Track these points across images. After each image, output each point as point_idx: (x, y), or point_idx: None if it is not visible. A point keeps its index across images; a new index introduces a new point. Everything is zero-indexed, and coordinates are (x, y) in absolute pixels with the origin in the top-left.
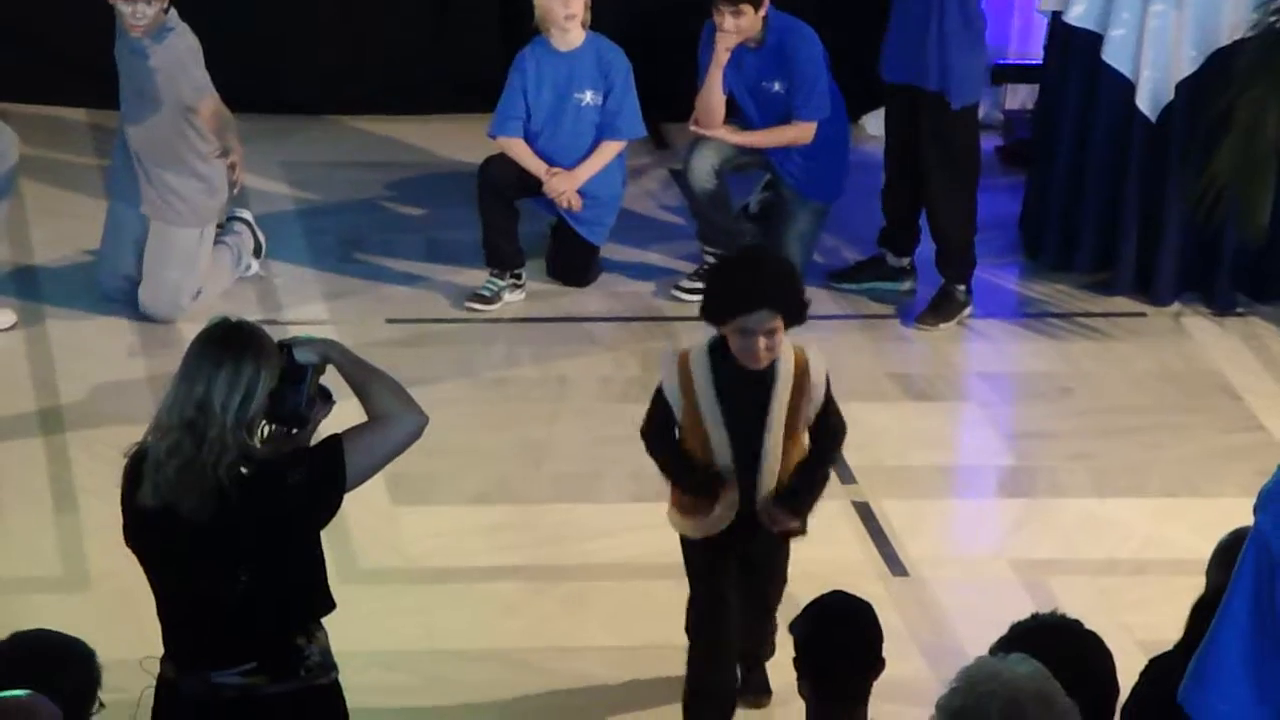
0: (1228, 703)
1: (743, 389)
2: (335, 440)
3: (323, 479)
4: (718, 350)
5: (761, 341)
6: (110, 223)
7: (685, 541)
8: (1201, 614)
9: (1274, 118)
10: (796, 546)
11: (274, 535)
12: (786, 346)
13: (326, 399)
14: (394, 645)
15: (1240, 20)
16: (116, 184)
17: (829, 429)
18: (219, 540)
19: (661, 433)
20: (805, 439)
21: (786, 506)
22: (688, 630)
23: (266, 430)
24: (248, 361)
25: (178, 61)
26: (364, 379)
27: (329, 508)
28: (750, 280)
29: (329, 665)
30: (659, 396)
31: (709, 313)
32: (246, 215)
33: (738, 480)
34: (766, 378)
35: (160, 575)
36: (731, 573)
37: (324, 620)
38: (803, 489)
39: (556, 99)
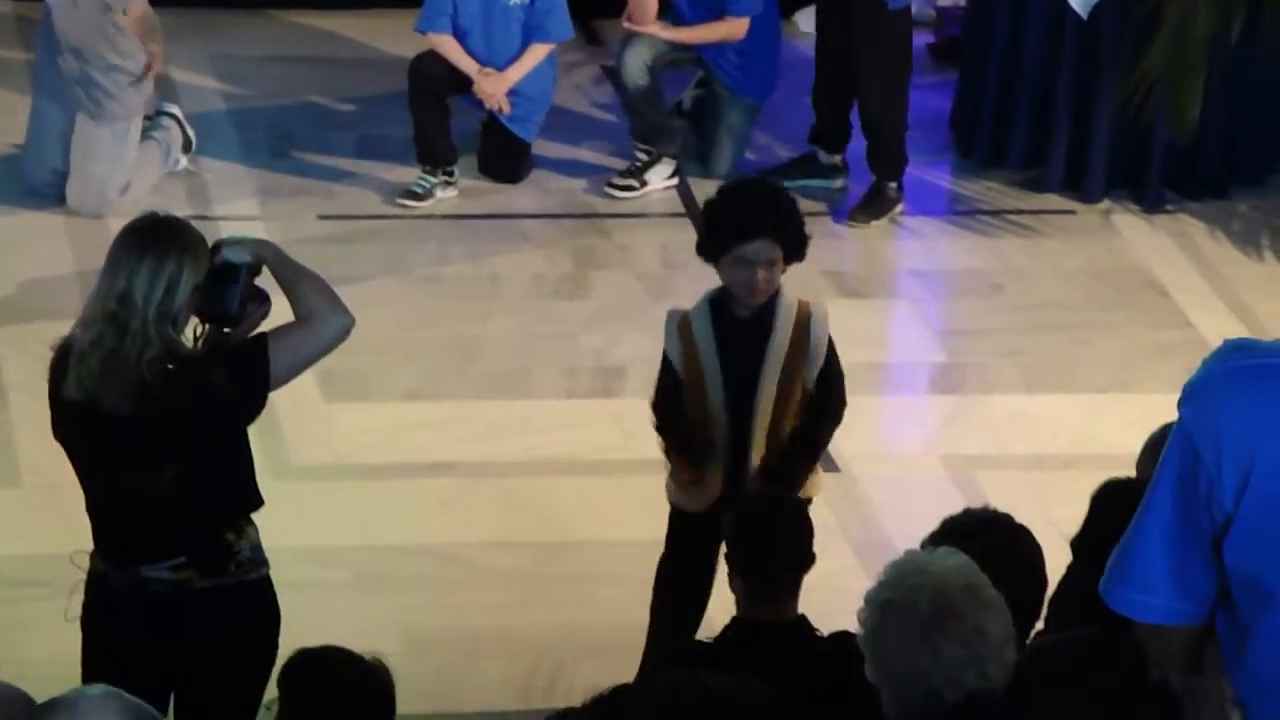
0: (1150, 595)
1: (741, 340)
2: (260, 338)
3: (246, 376)
4: (717, 303)
5: (760, 273)
6: (35, 117)
7: (675, 513)
8: (1106, 500)
9: (1203, 15)
10: None
11: (197, 431)
12: (789, 295)
13: (263, 299)
14: (327, 541)
15: None
16: (41, 78)
17: (824, 405)
18: (142, 434)
19: (669, 405)
20: (796, 402)
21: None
22: (654, 587)
23: (202, 330)
24: (171, 255)
25: None
26: (293, 279)
27: (253, 405)
28: (747, 209)
29: (259, 560)
30: (664, 364)
31: (705, 247)
32: (175, 110)
33: (731, 440)
34: (764, 326)
35: (86, 469)
36: (713, 554)
37: (256, 516)
38: (785, 470)
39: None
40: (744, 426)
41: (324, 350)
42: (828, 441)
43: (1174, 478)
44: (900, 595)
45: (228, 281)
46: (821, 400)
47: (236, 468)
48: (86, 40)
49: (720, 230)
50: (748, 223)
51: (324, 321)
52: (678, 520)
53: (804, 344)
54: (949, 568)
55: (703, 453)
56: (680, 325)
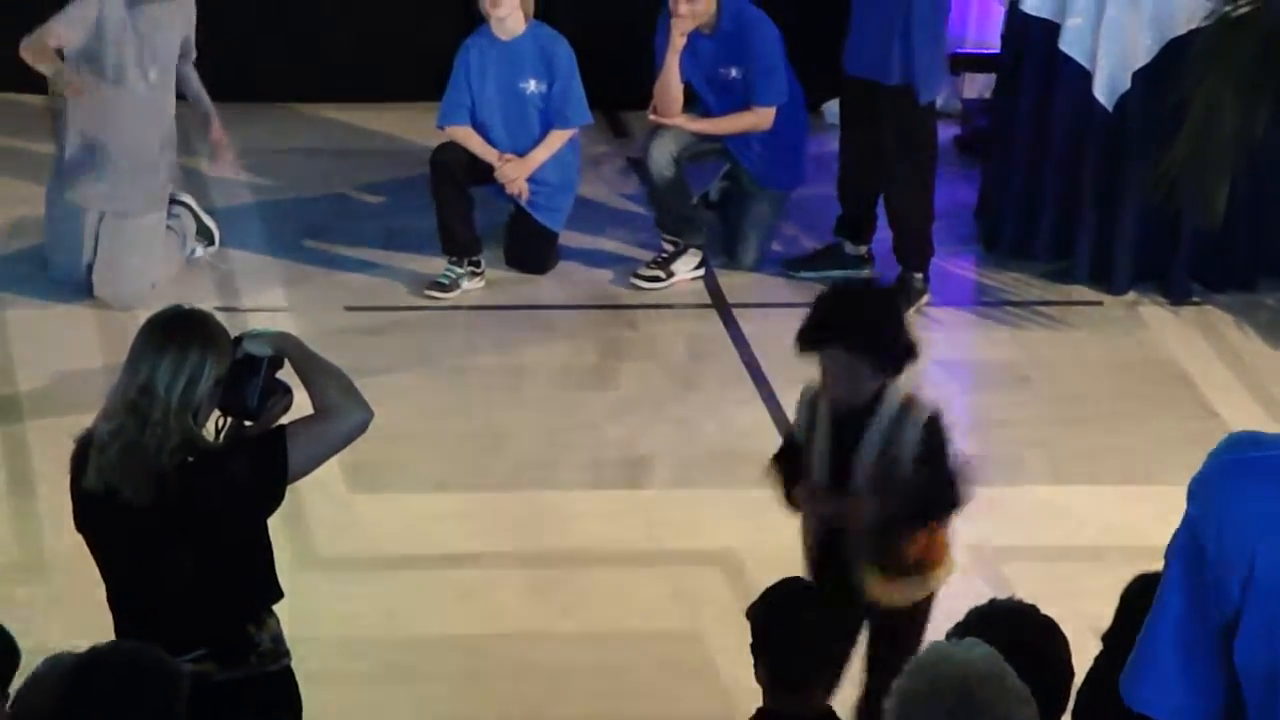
0: (1164, 694)
1: (851, 423)
2: (279, 431)
3: (264, 468)
4: None
5: (830, 377)
6: (57, 208)
7: None
8: (1138, 594)
9: (1229, 106)
10: (758, 532)
11: (215, 523)
12: (900, 387)
13: (284, 392)
14: (353, 632)
15: (1196, 9)
16: (67, 171)
17: (924, 485)
18: (161, 526)
19: (781, 465)
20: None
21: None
22: None
23: (222, 423)
24: (193, 347)
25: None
26: (313, 372)
27: (271, 497)
28: (818, 315)
29: (281, 652)
30: (787, 438)
31: (796, 341)
32: (186, 198)
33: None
34: (870, 414)
35: (107, 560)
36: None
37: (280, 606)
38: (884, 529)
39: (500, 89)
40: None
41: (342, 444)
42: (932, 516)
43: (1181, 573)
44: (925, 685)
45: (249, 374)
46: (921, 482)
47: (256, 560)
48: (152, 126)
49: (801, 329)
50: (815, 330)
51: (343, 415)
52: None
53: (900, 435)
54: (974, 658)
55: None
56: (811, 398)
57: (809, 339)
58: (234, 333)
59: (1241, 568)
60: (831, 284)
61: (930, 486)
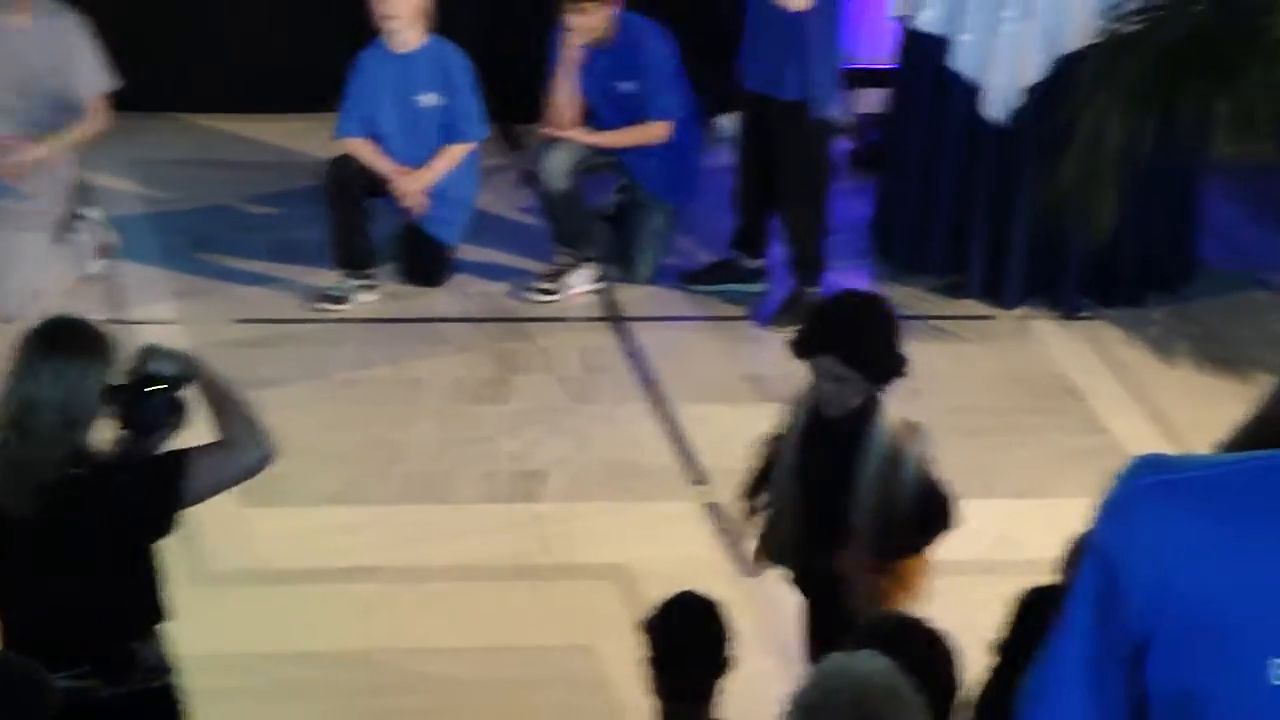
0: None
1: (826, 438)
2: (180, 455)
3: (158, 491)
4: None
5: (825, 386)
6: None
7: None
8: (1030, 605)
9: (1116, 126)
10: (651, 545)
11: (100, 538)
12: (884, 418)
13: (177, 411)
14: (245, 648)
15: (1086, 28)
16: None
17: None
18: (46, 540)
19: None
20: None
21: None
22: None
23: (118, 436)
24: (76, 356)
25: (74, 45)
26: (221, 400)
27: (162, 519)
28: (815, 322)
29: (166, 668)
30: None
31: (791, 346)
32: (95, 213)
33: (799, 531)
34: (854, 439)
35: None
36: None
37: (171, 622)
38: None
39: (397, 102)
40: (807, 518)
41: (241, 477)
42: (928, 540)
43: (1090, 598)
44: (821, 698)
45: (150, 392)
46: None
47: (142, 579)
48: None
49: (796, 336)
50: (812, 336)
51: (246, 449)
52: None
53: (898, 468)
54: (872, 670)
55: (774, 526)
56: (795, 401)
57: (804, 347)
58: (127, 345)
59: (1158, 591)
60: (830, 292)
61: (927, 510)
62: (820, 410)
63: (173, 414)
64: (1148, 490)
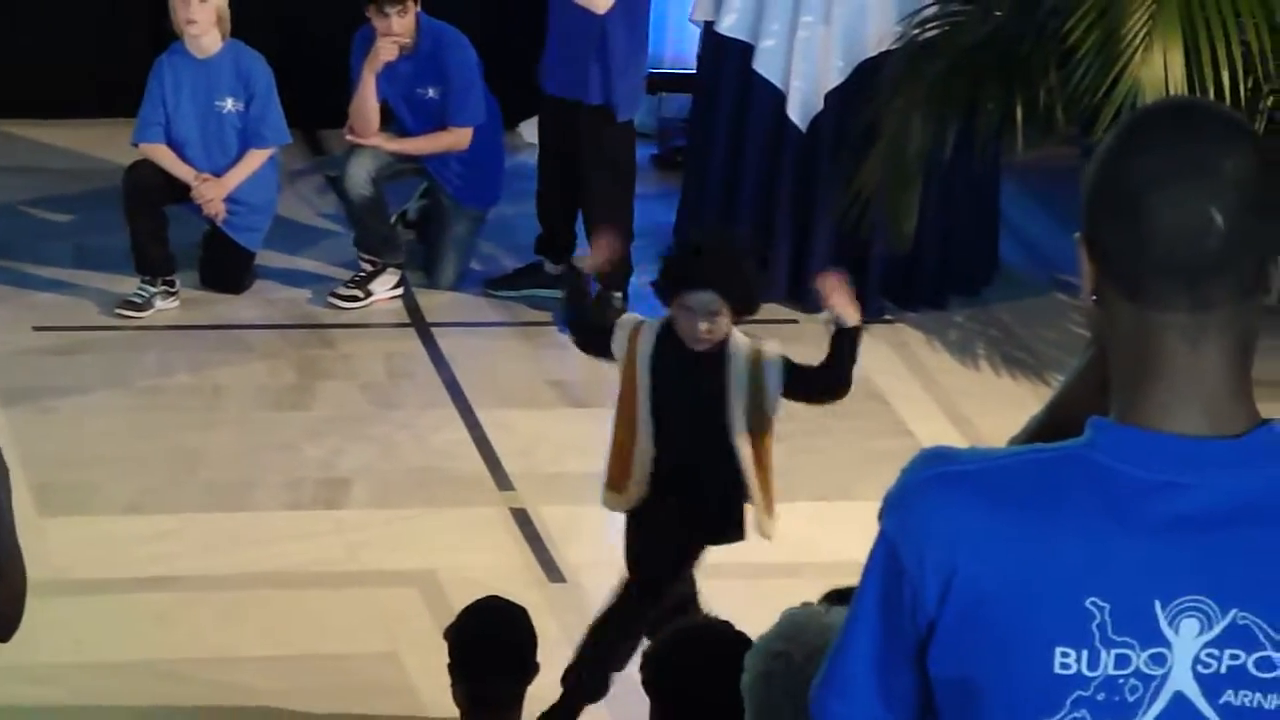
0: (854, 707)
1: (687, 375)
2: None
3: None
4: (665, 330)
5: (702, 324)
6: None
7: (626, 526)
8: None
9: (917, 131)
10: (457, 552)
11: None
12: (741, 342)
13: None
14: (40, 658)
15: (886, 33)
16: None
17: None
18: None
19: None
20: (769, 442)
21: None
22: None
23: None
24: None
25: None
26: None
27: None
28: (698, 261)
29: None
30: (613, 328)
31: (658, 288)
32: None
33: (670, 466)
34: (718, 371)
35: None
36: (665, 559)
37: None
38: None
39: (197, 107)
40: (669, 450)
41: None
42: (833, 394)
43: (878, 587)
44: (787, 645)
45: None
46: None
47: None
48: None
49: (670, 275)
50: (694, 273)
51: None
52: (626, 530)
53: (761, 380)
54: (835, 623)
55: (625, 460)
56: (631, 331)
57: (680, 282)
58: None
59: (939, 580)
60: (696, 231)
61: (826, 374)
62: (685, 345)
63: None
64: (931, 481)
